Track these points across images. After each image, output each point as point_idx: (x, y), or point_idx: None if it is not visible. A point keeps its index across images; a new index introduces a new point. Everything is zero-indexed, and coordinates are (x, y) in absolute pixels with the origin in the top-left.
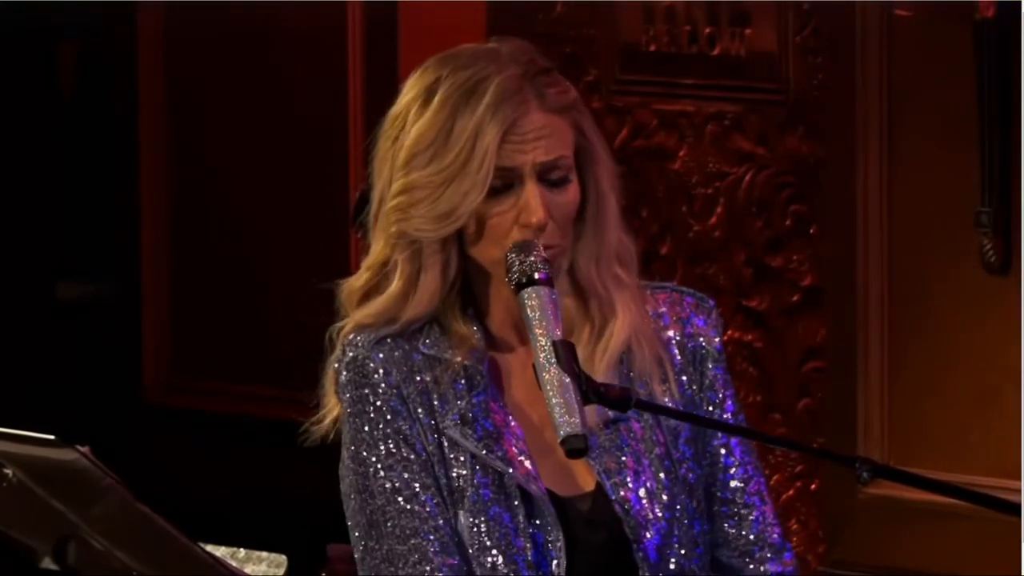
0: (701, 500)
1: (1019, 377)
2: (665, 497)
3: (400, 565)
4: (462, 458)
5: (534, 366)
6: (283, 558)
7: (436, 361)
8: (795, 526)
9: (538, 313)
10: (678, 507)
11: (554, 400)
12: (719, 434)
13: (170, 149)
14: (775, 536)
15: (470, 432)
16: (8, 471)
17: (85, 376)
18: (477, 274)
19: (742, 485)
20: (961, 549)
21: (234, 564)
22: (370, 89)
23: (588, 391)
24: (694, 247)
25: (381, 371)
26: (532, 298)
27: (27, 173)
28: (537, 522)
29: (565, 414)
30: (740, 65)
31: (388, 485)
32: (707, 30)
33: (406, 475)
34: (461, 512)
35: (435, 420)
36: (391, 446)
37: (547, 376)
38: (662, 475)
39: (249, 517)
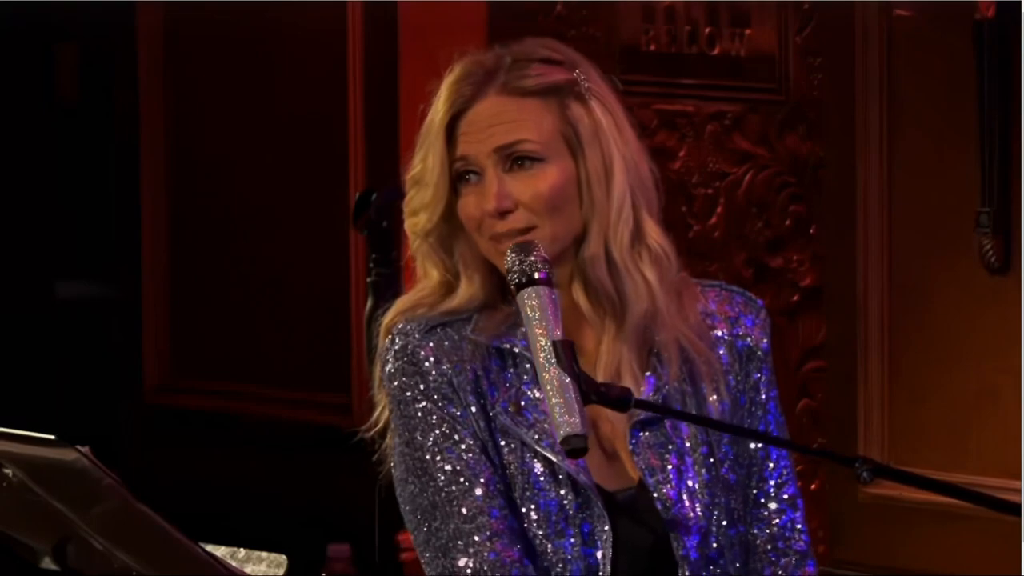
0: (739, 503)
1: (1019, 377)
2: (706, 496)
3: (470, 542)
4: (512, 445)
5: (534, 366)
6: (283, 558)
7: (483, 348)
8: None
9: (538, 313)
10: (718, 506)
11: (554, 400)
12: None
13: (170, 149)
14: (802, 544)
15: (521, 420)
16: (8, 471)
17: (85, 376)
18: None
19: (775, 491)
20: (961, 549)
21: (234, 564)
22: (370, 89)
23: (588, 391)
24: (694, 247)
25: (432, 358)
26: (532, 298)
27: (27, 173)
28: (585, 512)
29: (565, 414)
30: (740, 65)
31: (448, 467)
32: (707, 30)
33: (466, 457)
34: (514, 497)
35: (486, 406)
36: (446, 429)
37: (547, 376)
38: (704, 473)
39: (249, 517)
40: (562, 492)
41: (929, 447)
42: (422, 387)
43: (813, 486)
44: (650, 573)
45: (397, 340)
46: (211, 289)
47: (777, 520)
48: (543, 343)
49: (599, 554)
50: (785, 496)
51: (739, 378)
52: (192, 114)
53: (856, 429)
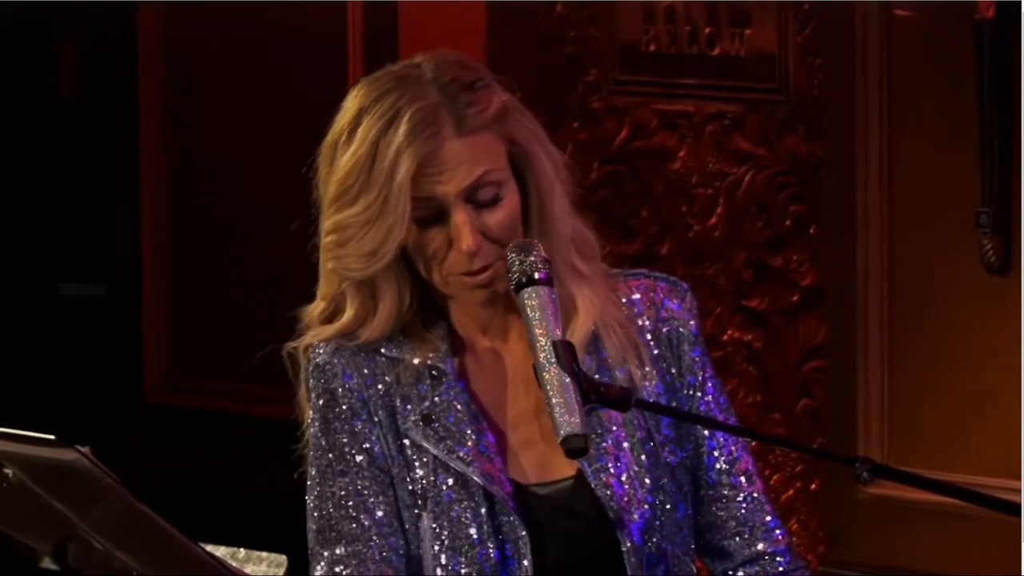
0: (684, 483)
1: (1019, 377)
2: (648, 480)
3: (340, 570)
4: (424, 459)
5: (534, 366)
6: (283, 558)
7: (398, 362)
8: (795, 526)
9: (538, 313)
10: (661, 490)
11: (554, 400)
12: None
13: (170, 149)
14: (765, 516)
15: (431, 432)
16: (8, 471)
17: (86, 376)
18: (432, 287)
19: (727, 467)
20: (961, 549)
21: (234, 564)
22: None
23: (588, 391)
24: (694, 247)
25: (342, 374)
26: (532, 298)
27: (28, 173)
28: (501, 521)
29: (565, 414)
30: (740, 65)
31: (341, 492)
32: (707, 30)
33: (359, 483)
34: (425, 515)
35: (396, 423)
36: (347, 451)
37: (547, 376)
38: (643, 458)
39: (249, 517)
40: (476, 504)
41: (929, 447)
42: (332, 404)
43: (813, 486)
44: (592, 564)
45: (312, 359)
46: (211, 289)
47: (735, 496)
48: (543, 343)
49: (524, 562)
50: (737, 471)
51: (671, 363)
52: (192, 114)
53: (856, 429)
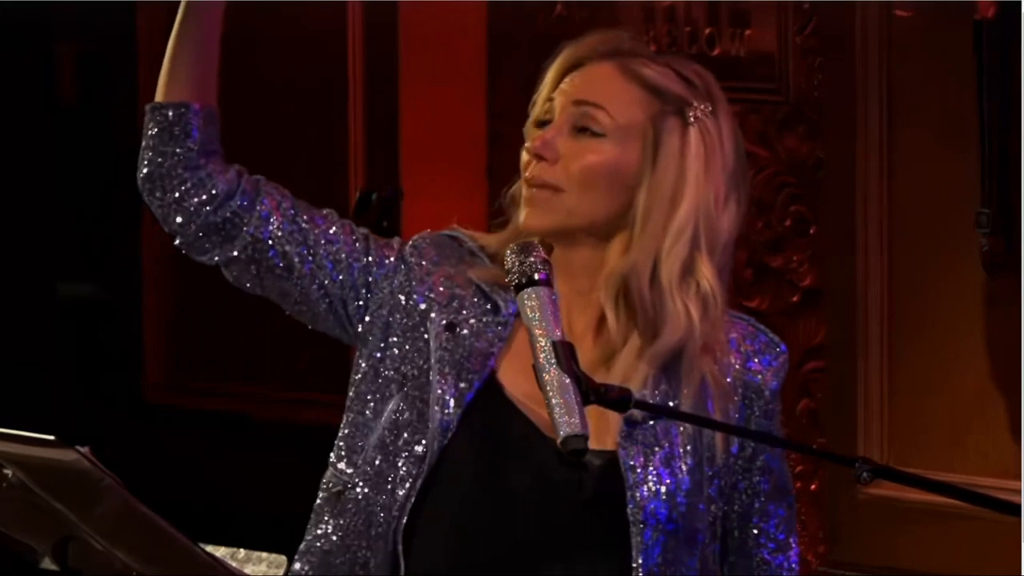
0: (708, 523)
1: (1019, 377)
2: (679, 497)
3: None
4: (421, 344)
5: (534, 366)
6: (283, 558)
7: (469, 277)
8: None
9: (538, 314)
10: (687, 507)
11: (554, 400)
12: (756, 477)
13: None
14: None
15: (447, 337)
16: (8, 471)
17: (86, 376)
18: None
19: (774, 532)
20: (961, 549)
21: (234, 564)
22: (370, 89)
23: (588, 391)
24: None
25: (428, 246)
26: (531, 299)
27: (27, 173)
28: (428, 443)
29: (565, 414)
30: (740, 65)
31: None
32: (707, 30)
33: (355, 236)
34: (396, 396)
35: (432, 311)
36: (362, 243)
37: (547, 377)
38: (684, 477)
39: (249, 517)
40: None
41: (929, 447)
42: (409, 246)
43: (813, 486)
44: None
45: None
46: (211, 289)
47: (772, 560)
48: (543, 343)
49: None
50: (781, 536)
51: (737, 409)
52: None
53: (856, 429)
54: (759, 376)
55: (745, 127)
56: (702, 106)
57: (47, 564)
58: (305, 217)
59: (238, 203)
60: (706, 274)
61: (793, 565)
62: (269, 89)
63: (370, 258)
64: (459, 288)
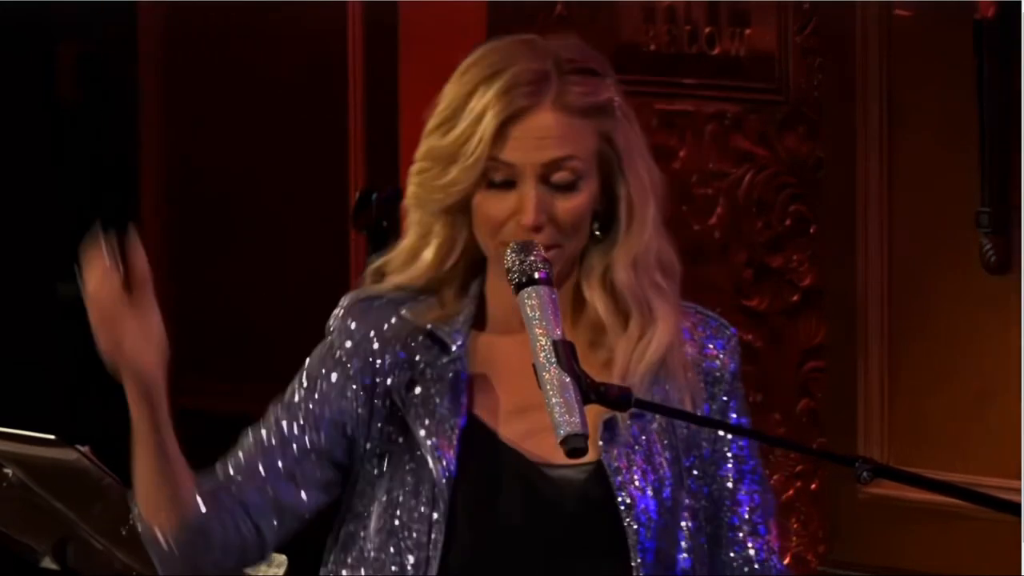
0: (693, 514)
1: (1019, 377)
2: (665, 492)
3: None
4: (395, 419)
5: (534, 366)
6: (283, 558)
7: (409, 325)
8: (795, 526)
9: (538, 313)
10: (672, 502)
11: (554, 400)
12: (727, 464)
13: (170, 149)
14: (776, 567)
15: (410, 397)
16: (8, 471)
17: (85, 376)
18: (482, 257)
19: (747, 516)
20: (961, 549)
21: None
22: (370, 89)
23: (588, 391)
24: (694, 247)
25: (352, 323)
26: (532, 298)
27: (27, 173)
28: (432, 501)
29: (565, 414)
30: (740, 65)
31: (272, 419)
32: (707, 30)
33: (296, 423)
34: (382, 479)
35: (388, 379)
36: (306, 392)
37: (547, 376)
38: (666, 471)
39: None
40: (422, 478)
41: (929, 447)
42: (332, 346)
43: (813, 486)
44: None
45: (341, 302)
46: (211, 289)
47: (751, 545)
48: (543, 343)
49: (430, 547)
50: (756, 520)
51: (703, 396)
52: (192, 114)
53: (856, 429)
54: (717, 360)
55: (745, 127)
56: (614, 91)
57: (47, 564)
58: (286, 480)
59: (252, 525)
60: (665, 249)
61: (774, 547)
62: (269, 89)
63: (337, 420)
64: (399, 344)
